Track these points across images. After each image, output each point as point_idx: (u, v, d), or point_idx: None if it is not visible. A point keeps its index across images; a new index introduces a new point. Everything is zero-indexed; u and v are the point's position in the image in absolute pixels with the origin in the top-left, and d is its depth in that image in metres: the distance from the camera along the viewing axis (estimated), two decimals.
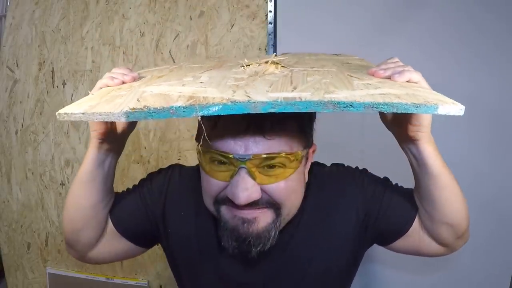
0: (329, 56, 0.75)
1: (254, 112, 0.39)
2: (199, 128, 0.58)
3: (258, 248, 0.56)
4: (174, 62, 1.31)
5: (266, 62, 0.57)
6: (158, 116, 0.38)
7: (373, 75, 0.51)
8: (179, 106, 0.38)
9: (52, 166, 1.47)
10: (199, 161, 0.58)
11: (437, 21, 1.11)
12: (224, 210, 0.57)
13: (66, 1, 1.43)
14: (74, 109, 0.42)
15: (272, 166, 0.54)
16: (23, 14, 1.49)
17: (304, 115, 0.55)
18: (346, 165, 0.72)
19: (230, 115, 0.41)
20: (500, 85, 1.08)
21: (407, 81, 0.49)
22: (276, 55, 0.70)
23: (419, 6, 1.12)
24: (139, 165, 1.39)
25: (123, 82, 0.55)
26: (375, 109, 0.38)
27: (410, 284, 1.27)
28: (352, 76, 0.50)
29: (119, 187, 1.49)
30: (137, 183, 0.72)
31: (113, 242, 0.68)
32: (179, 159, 1.31)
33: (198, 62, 0.72)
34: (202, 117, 0.43)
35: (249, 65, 0.57)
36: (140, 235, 0.70)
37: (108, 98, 0.46)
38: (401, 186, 0.69)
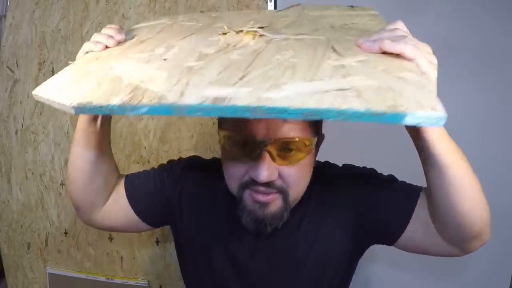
0: (338, 12, 0.65)
1: (180, 115, 0.38)
2: None
3: (273, 227, 0.62)
4: None
5: (247, 31, 0.53)
6: (101, 112, 0.39)
7: (360, 47, 0.44)
8: (114, 105, 0.37)
9: (52, 166, 1.47)
10: (223, 147, 0.63)
11: (436, 23, 1.11)
12: (246, 195, 0.62)
13: (66, 1, 1.43)
14: (46, 90, 0.46)
15: (289, 150, 0.59)
16: (23, 14, 1.49)
17: None
18: (356, 166, 0.75)
19: None
20: (500, 86, 1.09)
21: (398, 54, 0.40)
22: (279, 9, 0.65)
23: (418, 9, 1.12)
24: (139, 165, 1.39)
25: (107, 47, 0.57)
26: (317, 116, 0.31)
27: (410, 284, 1.27)
28: (334, 51, 0.44)
29: None
30: (156, 166, 0.79)
31: (121, 213, 0.72)
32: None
33: (195, 17, 0.70)
34: None
35: (227, 33, 0.54)
36: (151, 213, 0.75)
37: (82, 74, 0.48)
38: (403, 183, 0.69)
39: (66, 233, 1.48)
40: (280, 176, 0.60)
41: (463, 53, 1.10)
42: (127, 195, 0.72)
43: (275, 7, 1.21)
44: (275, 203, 0.61)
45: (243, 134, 0.59)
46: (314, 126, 0.63)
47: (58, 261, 1.52)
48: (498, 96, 1.09)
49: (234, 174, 0.63)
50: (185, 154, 1.30)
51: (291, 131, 0.58)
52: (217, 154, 1.27)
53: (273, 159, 0.58)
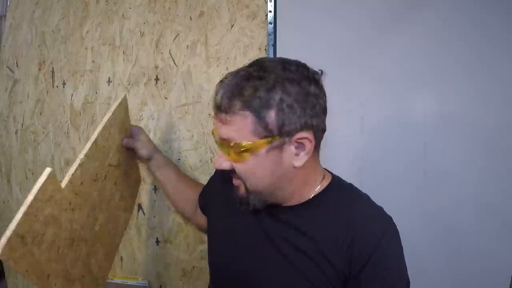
0: None
1: None
2: None
3: (244, 207, 0.76)
4: (174, 62, 1.31)
5: None
6: None
7: None
8: None
9: (52, 166, 1.47)
10: None
11: (439, 22, 1.11)
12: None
13: (66, 1, 1.43)
14: None
15: (228, 149, 0.69)
16: (23, 14, 1.49)
17: (257, 107, 0.64)
18: (395, 233, 0.74)
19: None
20: (502, 86, 1.08)
21: None
22: None
23: (420, 7, 1.12)
24: (139, 165, 1.38)
25: None
26: None
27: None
28: None
29: None
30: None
31: (201, 216, 1.08)
32: (179, 159, 1.31)
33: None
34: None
35: None
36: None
37: None
38: None
39: None
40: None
41: (463, 52, 1.10)
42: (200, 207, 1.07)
43: (275, 7, 1.21)
44: (241, 188, 0.75)
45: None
46: (266, 128, 0.64)
47: None
48: (498, 96, 1.09)
49: None
50: (185, 154, 1.30)
51: (226, 134, 0.68)
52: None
53: (226, 154, 0.70)
